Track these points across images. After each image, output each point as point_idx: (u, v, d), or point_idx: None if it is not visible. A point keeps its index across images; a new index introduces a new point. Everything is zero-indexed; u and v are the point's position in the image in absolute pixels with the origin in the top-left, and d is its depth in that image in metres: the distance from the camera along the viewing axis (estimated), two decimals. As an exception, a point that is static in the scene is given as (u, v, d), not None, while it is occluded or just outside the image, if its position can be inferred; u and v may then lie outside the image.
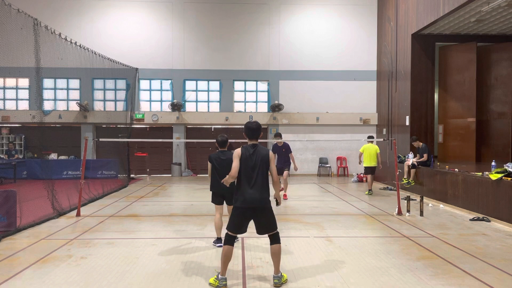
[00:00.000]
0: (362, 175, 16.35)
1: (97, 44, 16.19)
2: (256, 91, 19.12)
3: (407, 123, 14.83)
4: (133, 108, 17.37)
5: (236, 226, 4.82)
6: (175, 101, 18.31)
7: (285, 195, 11.42)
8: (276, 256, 4.86)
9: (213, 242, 6.59)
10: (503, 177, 8.40)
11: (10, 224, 7.21)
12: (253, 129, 5.02)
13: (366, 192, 12.83)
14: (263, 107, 19.06)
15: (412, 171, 12.36)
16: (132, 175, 17.10)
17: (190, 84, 18.97)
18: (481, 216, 8.79)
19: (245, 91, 19.12)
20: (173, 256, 5.99)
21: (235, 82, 18.99)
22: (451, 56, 14.58)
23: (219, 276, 4.81)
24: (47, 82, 18.07)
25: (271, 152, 4.98)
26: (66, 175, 15.75)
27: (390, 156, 15.57)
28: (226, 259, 4.78)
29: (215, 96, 19.00)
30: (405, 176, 12.64)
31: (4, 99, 18.46)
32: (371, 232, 7.62)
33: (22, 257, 5.88)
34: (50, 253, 6.08)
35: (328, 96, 18.73)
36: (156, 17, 18.62)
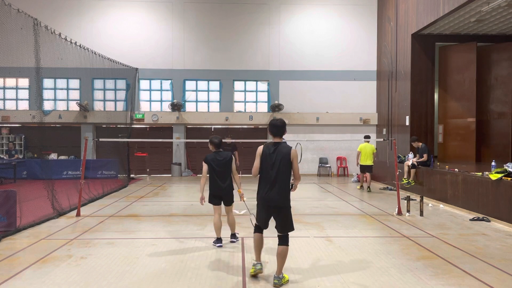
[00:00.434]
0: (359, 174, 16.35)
1: (97, 44, 16.19)
2: (256, 91, 19.12)
3: (407, 123, 14.83)
4: (133, 108, 17.36)
5: (260, 220, 5.03)
6: (175, 101, 18.31)
7: None
8: (280, 257, 4.85)
9: (213, 242, 6.59)
10: (503, 177, 8.40)
11: (10, 224, 7.21)
12: (278, 126, 5.02)
13: (359, 188, 13.65)
14: (263, 107, 19.06)
15: (412, 171, 12.36)
16: (132, 175, 17.09)
17: (190, 84, 18.97)
18: (481, 216, 8.79)
19: (245, 91, 19.12)
20: (173, 256, 5.99)
21: (235, 82, 18.99)
22: (451, 56, 14.58)
23: (254, 261, 5.06)
24: (47, 82, 18.06)
25: (293, 150, 4.92)
26: (66, 175, 15.74)
27: (390, 156, 15.57)
28: (256, 245, 5.04)
29: (215, 96, 19.00)
30: (405, 176, 12.64)
31: (4, 99, 18.46)
32: (371, 232, 7.62)
33: (22, 257, 5.88)
34: (50, 253, 6.08)
35: (328, 96, 18.73)
36: (156, 17, 18.62)
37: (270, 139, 17.68)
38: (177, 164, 18.46)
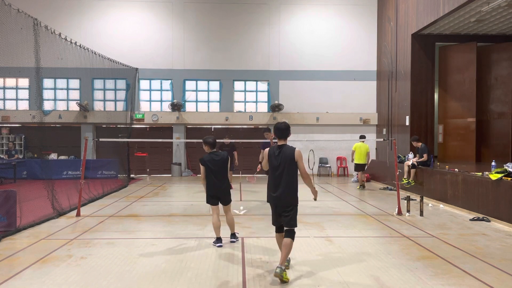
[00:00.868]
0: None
1: (97, 44, 16.18)
2: (256, 91, 19.13)
3: (407, 123, 14.83)
4: (133, 108, 17.36)
5: (273, 219, 5.29)
6: (175, 101, 18.31)
7: None
8: (284, 248, 5.01)
9: (213, 243, 6.59)
10: (503, 177, 8.40)
11: (10, 224, 7.21)
12: (282, 129, 5.22)
13: (358, 187, 13.91)
14: (263, 107, 19.06)
15: (412, 171, 12.36)
16: (132, 175, 17.09)
17: (190, 84, 18.97)
18: (481, 216, 8.79)
19: (245, 91, 19.12)
20: (173, 256, 5.99)
21: (235, 82, 18.99)
22: (451, 56, 14.58)
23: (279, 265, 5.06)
24: (47, 82, 18.06)
25: (297, 150, 5.12)
26: (66, 175, 15.75)
27: (390, 156, 15.57)
28: (279, 245, 5.22)
29: (215, 96, 19.00)
30: (405, 176, 12.64)
31: (4, 99, 18.46)
32: (371, 232, 7.62)
33: (22, 257, 5.88)
34: (50, 253, 6.08)
35: (328, 96, 18.73)
36: (156, 17, 18.62)
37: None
38: (177, 164, 18.46)
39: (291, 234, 5.07)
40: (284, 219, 5.08)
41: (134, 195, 12.19)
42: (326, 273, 5.25)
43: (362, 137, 14.08)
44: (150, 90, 18.93)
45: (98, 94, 18.60)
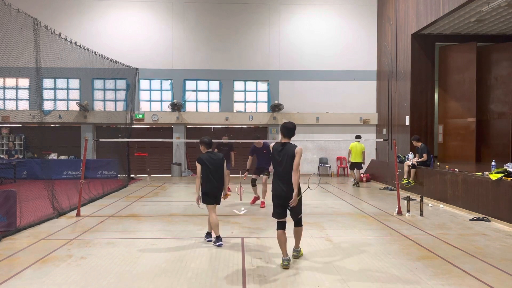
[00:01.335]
0: (362, 175, 16.40)
1: (97, 44, 16.18)
2: (256, 91, 19.13)
3: (407, 123, 14.83)
4: (133, 108, 17.36)
5: (277, 214, 5.61)
6: (175, 101, 18.32)
7: (262, 203, 10.12)
8: (296, 235, 5.74)
9: (213, 243, 6.59)
10: (503, 177, 8.40)
11: (10, 224, 7.21)
12: (290, 129, 5.64)
13: (353, 184, 14.66)
14: (263, 107, 19.06)
15: (412, 171, 12.36)
16: (132, 175, 17.10)
17: (190, 84, 18.97)
18: (481, 216, 8.79)
19: (245, 91, 19.12)
20: (173, 256, 5.99)
21: (235, 82, 18.99)
22: (451, 56, 14.58)
23: (283, 257, 5.49)
24: (47, 82, 18.06)
25: (297, 148, 5.50)
26: (66, 175, 15.74)
27: (390, 156, 15.57)
28: (280, 242, 5.52)
29: (215, 96, 19.00)
30: (405, 176, 12.64)
31: (4, 99, 18.46)
32: (371, 232, 7.62)
33: (22, 257, 5.88)
34: (50, 253, 6.08)
35: (328, 96, 18.73)
36: (156, 17, 18.63)
37: (270, 139, 17.43)
38: (177, 164, 18.46)
39: (300, 223, 5.74)
40: (292, 211, 5.56)
41: (134, 195, 12.19)
42: (326, 273, 5.25)
43: (358, 137, 14.87)
44: (150, 90, 18.93)
45: (98, 94, 18.60)
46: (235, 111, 18.87)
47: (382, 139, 12.48)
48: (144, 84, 18.85)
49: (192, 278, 5.09)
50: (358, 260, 5.83)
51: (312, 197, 12.01)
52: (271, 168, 10.32)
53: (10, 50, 8.46)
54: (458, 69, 14.33)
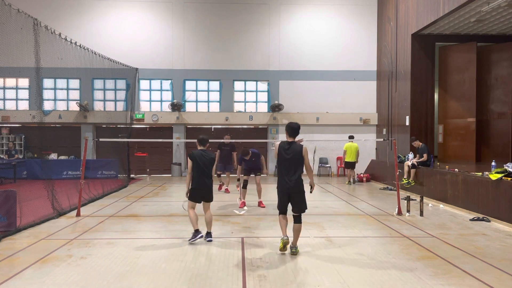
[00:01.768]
0: (362, 175, 16.43)
1: (97, 44, 16.17)
2: (256, 91, 19.13)
3: (407, 123, 14.83)
4: (133, 108, 17.36)
5: (281, 206, 6.10)
6: (175, 101, 18.31)
7: (261, 203, 10.05)
8: (296, 232, 6.03)
9: (191, 238, 6.63)
10: (503, 177, 8.40)
11: (10, 224, 7.20)
12: (295, 128, 6.12)
13: (346, 183, 15.26)
14: (263, 107, 19.06)
15: (412, 171, 12.36)
16: (132, 175, 17.09)
17: (190, 84, 18.97)
18: (481, 216, 8.79)
19: (245, 91, 19.12)
20: (173, 256, 5.99)
21: (235, 82, 18.99)
22: (451, 56, 14.58)
23: (282, 236, 6.05)
24: (47, 82, 18.06)
25: (304, 147, 6.05)
26: (66, 175, 15.74)
27: (390, 156, 15.57)
28: (281, 224, 6.12)
29: (215, 96, 19.00)
30: (405, 176, 12.64)
31: (4, 99, 18.46)
32: (371, 232, 7.62)
33: (22, 257, 5.88)
34: (50, 253, 6.08)
35: (328, 96, 18.73)
36: (156, 17, 18.63)
37: (270, 139, 17.48)
38: (177, 164, 18.46)
39: (300, 220, 6.07)
40: (296, 204, 6.00)
41: (134, 195, 12.19)
42: (326, 273, 5.25)
43: (351, 137, 15.34)
44: (150, 90, 18.93)
45: (98, 94, 18.60)
46: (235, 111, 18.87)
47: (382, 139, 12.49)
48: (144, 84, 18.85)
49: (192, 278, 5.09)
50: (358, 260, 5.83)
51: (312, 197, 12.01)
52: (265, 170, 10.49)
53: (10, 50, 8.46)
54: (458, 69, 14.33)
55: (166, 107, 18.61)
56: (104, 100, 18.65)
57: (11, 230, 7.14)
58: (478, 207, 9.12)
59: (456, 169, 10.62)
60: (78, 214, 8.95)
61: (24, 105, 18.25)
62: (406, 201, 9.35)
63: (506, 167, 8.56)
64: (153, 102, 18.96)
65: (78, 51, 12.01)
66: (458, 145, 14.37)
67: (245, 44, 18.77)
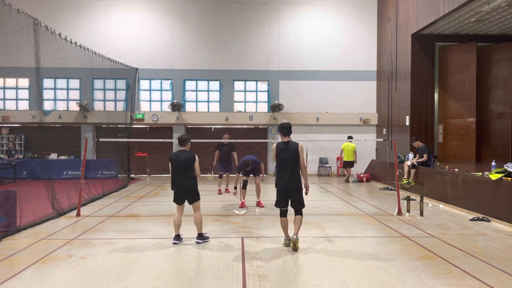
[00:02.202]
0: (362, 175, 16.42)
1: (97, 44, 16.16)
2: (256, 91, 19.12)
3: (407, 123, 14.83)
4: (133, 108, 17.36)
5: (280, 203, 6.36)
6: (175, 101, 18.31)
7: (260, 203, 10.07)
8: (297, 222, 6.29)
9: (173, 242, 6.66)
10: (503, 177, 8.40)
11: (10, 224, 7.21)
12: (287, 127, 6.44)
13: (345, 180, 15.90)
14: (263, 107, 19.06)
15: (412, 171, 12.36)
16: (132, 175, 17.09)
17: (190, 84, 18.97)
18: (481, 216, 8.79)
19: (245, 91, 19.12)
20: (173, 256, 5.99)
21: (235, 82, 18.99)
22: (451, 56, 14.58)
23: (284, 238, 6.46)
24: (47, 82, 18.05)
25: (300, 145, 6.28)
26: (66, 175, 15.74)
27: (390, 156, 15.57)
28: (283, 226, 6.43)
29: (215, 96, 19.00)
30: (405, 176, 12.65)
31: (4, 99, 18.46)
32: (371, 232, 7.62)
33: (22, 257, 5.88)
34: (50, 253, 6.08)
35: (328, 96, 18.73)
36: (156, 17, 18.62)
37: (270, 139, 17.42)
38: (177, 164, 18.41)
39: (300, 213, 6.36)
40: (295, 202, 6.28)
41: (134, 195, 12.19)
42: (326, 273, 5.25)
43: (350, 137, 15.73)
44: (150, 90, 18.93)
45: (98, 94, 18.59)
46: (235, 111, 18.86)
47: (382, 139, 12.48)
48: (144, 84, 18.85)
49: (192, 278, 5.09)
50: (358, 260, 5.83)
51: (312, 197, 12.02)
52: (263, 175, 10.49)
53: (10, 50, 8.45)
54: (458, 69, 14.32)
55: (166, 107, 18.61)
56: (104, 100, 18.64)
57: (11, 230, 7.15)
58: (478, 207, 9.12)
59: (456, 169, 10.62)
60: (78, 214, 8.95)
61: (24, 105, 18.25)
62: (406, 201, 9.35)
63: (506, 167, 8.56)
64: (153, 102, 18.96)
65: (78, 51, 12.01)
66: (458, 145, 14.37)
67: (245, 44, 18.77)
